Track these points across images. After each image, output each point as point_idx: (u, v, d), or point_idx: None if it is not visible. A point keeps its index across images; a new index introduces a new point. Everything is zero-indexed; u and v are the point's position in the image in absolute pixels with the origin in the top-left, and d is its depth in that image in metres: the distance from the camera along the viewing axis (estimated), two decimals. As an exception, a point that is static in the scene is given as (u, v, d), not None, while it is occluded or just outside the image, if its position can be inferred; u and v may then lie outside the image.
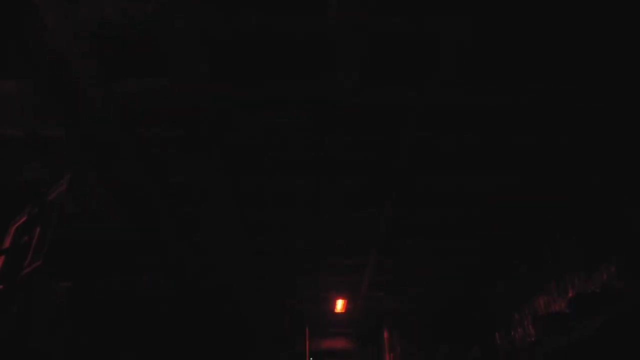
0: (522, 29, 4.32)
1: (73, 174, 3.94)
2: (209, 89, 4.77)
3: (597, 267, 6.41)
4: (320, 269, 9.22)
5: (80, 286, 9.42)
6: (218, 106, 5.17)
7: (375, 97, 4.99)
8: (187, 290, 9.70)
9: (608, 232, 6.08)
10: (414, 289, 10.11)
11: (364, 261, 8.83)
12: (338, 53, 4.41)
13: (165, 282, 9.40)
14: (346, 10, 4.01)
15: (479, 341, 9.55)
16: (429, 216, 7.46)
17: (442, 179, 6.48)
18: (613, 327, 4.77)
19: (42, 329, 8.84)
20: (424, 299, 10.63)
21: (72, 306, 9.83)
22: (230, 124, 5.43)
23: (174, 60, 4.43)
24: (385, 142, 5.87)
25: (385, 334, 12.01)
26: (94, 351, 11.30)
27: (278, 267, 9.02)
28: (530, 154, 5.99)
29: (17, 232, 4.73)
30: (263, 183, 6.52)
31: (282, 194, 6.88)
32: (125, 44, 4.40)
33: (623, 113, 5.20)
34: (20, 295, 8.12)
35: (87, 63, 4.45)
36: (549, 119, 5.39)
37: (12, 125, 5.66)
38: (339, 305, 11.09)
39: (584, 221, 6.63)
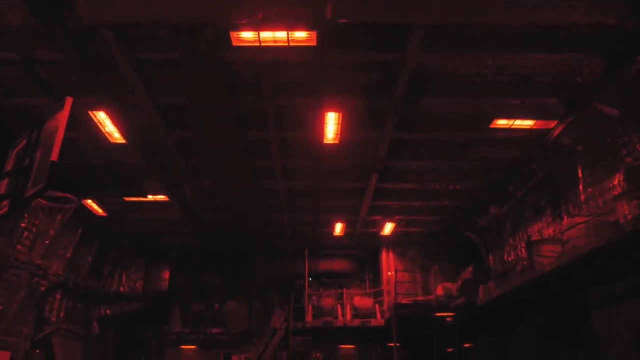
0: None
1: (72, 96, 3.88)
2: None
3: (595, 195, 6.46)
4: (320, 193, 9.31)
5: (85, 208, 9.58)
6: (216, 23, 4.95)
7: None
8: (187, 211, 9.84)
9: (608, 157, 6.11)
10: (411, 213, 10.29)
11: (363, 185, 8.90)
12: None
13: (169, 207, 9.54)
14: None
15: (472, 262, 9.88)
16: (428, 140, 7.46)
17: (441, 102, 6.41)
18: (607, 252, 4.90)
19: (49, 247, 9.11)
20: (421, 222, 10.85)
21: (77, 225, 10.06)
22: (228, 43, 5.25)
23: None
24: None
25: (383, 255, 12.38)
26: (99, 266, 11.67)
27: (278, 188, 9.09)
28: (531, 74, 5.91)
29: (18, 156, 4.70)
30: (263, 104, 6.42)
31: (284, 115, 6.79)
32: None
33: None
34: (24, 216, 8.27)
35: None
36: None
37: (7, 49, 5.47)
38: (338, 228, 11.33)
39: (584, 149, 6.64)
